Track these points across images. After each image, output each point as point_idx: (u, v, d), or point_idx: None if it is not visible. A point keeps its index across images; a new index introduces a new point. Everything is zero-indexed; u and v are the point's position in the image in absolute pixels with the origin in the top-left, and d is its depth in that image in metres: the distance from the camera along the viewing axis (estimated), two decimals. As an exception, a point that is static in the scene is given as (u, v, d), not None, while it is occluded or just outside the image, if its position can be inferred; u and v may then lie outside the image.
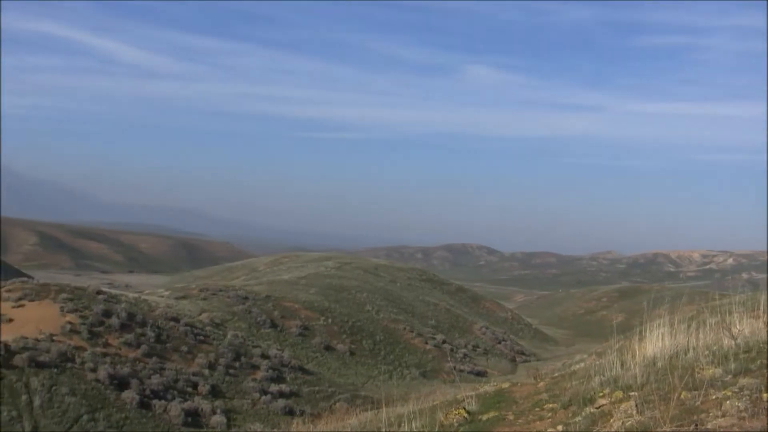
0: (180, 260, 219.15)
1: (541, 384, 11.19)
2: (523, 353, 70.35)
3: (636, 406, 6.92)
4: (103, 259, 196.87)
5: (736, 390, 6.73)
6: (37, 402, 30.41)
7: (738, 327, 9.69)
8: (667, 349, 9.26)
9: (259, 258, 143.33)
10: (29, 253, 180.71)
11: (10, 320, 38.04)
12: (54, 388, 31.59)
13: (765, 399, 6.27)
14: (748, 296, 14.63)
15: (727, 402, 6.39)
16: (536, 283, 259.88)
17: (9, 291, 42.48)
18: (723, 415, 6.13)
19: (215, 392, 37.96)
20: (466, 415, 9.44)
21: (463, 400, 10.67)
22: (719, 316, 10.56)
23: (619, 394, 7.70)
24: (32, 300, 41.37)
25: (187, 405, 34.35)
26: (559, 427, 7.45)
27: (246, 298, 56.66)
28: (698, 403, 6.63)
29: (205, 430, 33.71)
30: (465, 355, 61.65)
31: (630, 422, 6.56)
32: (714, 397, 6.71)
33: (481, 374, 55.60)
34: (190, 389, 37.07)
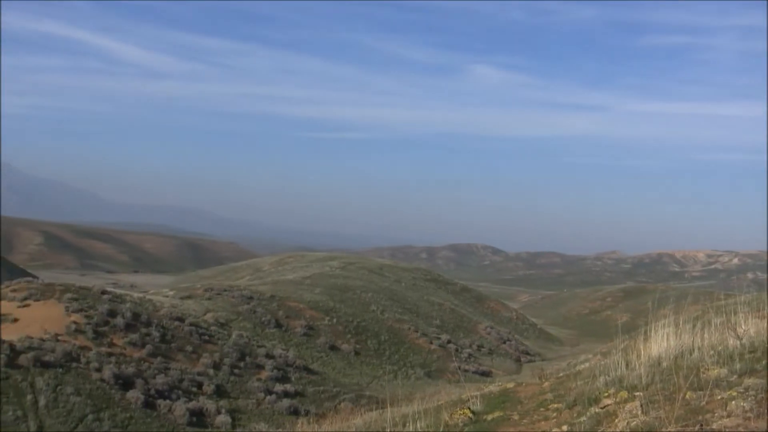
0: (185, 260, 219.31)
1: (546, 384, 11.18)
2: (527, 353, 70.26)
3: (641, 406, 6.91)
4: (108, 259, 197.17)
5: (742, 390, 6.72)
6: (42, 402, 30.46)
7: (743, 327, 9.67)
8: (672, 349, 9.24)
9: (263, 258, 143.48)
10: (34, 253, 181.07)
11: (16, 320, 38.11)
12: (59, 387, 31.64)
13: (770, 399, 6.25)
14: (753, 296, 14.62)
15: (733, 402, 6.38)
16: (541, 283, 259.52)
17: (14, 291, 42.58)
18: (728, 416, 6.12)
19: (220, 392, 37.98)
20: (471, 415, 9.44)
21: (468, 400, 10.66)
22: (724, 316, 10.54)
23: (624, 394, 7.69)
24: (37, 300, 41.45)
25: (191, 405, 34.35)
26: (564, 427, 7.45)
27: (251, 297, 56.69)
28: (703, 403, 6.62)
29: (209, 429, 33.71)
30: (470, 355, 61.59)
31: (635, 422, 6.56)
32: (719, 397, 6.70)
33: (485, 374, 55.55)
34: (194, 389, 37.09)
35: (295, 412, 37.68)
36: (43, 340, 35.17)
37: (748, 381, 6.96)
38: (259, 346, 46.19)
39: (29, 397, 30.40)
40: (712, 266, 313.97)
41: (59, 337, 36.35)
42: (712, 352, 8.52)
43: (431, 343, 59.68)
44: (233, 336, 46.03)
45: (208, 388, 37.49)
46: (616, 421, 6.83)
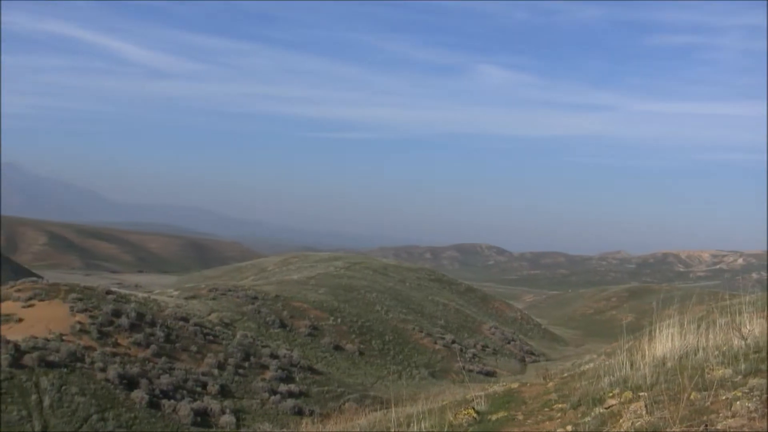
0: (189, 260, 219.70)
1: (551, 384, 11.18)
2: (532, 353, 70.21)
3: (645, 406, 6.90)
4: (113, 259, 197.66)
5: (746, 390, 6.70)
6: (46, 401, 30.52)
7: (748, 327, 9.65)
8: (677, 350, 9.23)
9: (268, 258, 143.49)
10: (39, 253, 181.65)
11: (20, 320, 38.20)
12: (64, 387, 31.69)
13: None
14: (758, 296, 14.59)
15: (737, 402, 6.37)
16: (545, 283, 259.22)
17: (19, 291, 42.66)
18: (733, 416, 6.11)
19: (224, 392, 38.01)
20: (475, 415, 9.44)
21: (473, 400, 10.67)
22: (729, 316, 10.52)
23: (629, 394, 7.68)
24: (42, 300, 41.52)
25: (196, 405, 34.38)
26: (569, 428, 7.44)
27: (255, 298, 56.73)
28: (708, 403, 6.61)
29: (214, 429, 33.74)
30: (474, 355, 61.57)
31: (639, 423, 6.55)
32: (724, 397, 6.69)
33: (490, 374, 55.52)
34: (199, 389, 37.12)
35: (299, 412, 37.72)
36: (47, 340, 35.22)
37: (753, 381, 6.94)
38: (263, 346, 46.21)
39: (34, 396, 30.46)
40: (717, 266, 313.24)
41: (64, 337, 36.41)
42: (716, 353, 8.50)
43: (435, 343, 59.66)
44: (238, 336, 46.07)
45: (213, 388, 37.51)
46: (621, 421, 6.82)
